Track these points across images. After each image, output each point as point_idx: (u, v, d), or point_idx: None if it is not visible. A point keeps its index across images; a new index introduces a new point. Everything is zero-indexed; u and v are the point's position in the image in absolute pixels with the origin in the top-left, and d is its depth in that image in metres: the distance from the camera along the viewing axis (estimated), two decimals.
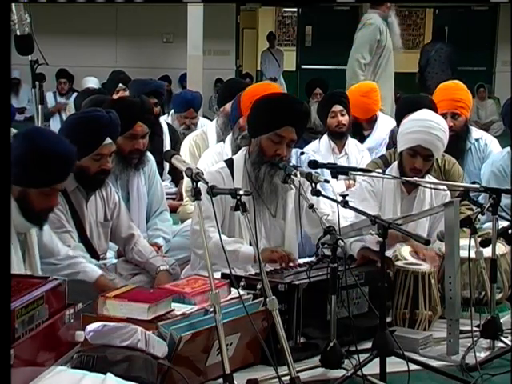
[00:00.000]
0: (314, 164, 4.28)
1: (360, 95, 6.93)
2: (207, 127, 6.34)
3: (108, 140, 4.18)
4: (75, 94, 13.95)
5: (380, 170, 4.66)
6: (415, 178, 4.50)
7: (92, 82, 10.87)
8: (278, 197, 4.33)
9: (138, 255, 4.37)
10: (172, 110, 7.94)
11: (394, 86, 8.85)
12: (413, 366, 3.56)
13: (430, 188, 4.60)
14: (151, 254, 4.38)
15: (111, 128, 4.22)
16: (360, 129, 7.10)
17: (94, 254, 4.29)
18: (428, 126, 4.50)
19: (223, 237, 3.87)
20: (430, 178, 4.65)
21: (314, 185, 3.86)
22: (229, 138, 5.43)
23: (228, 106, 6.11)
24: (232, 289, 3.69)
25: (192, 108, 7.49)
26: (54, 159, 3.48)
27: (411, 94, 7.96)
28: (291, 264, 4.10)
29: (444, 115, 5.47)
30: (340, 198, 3.85)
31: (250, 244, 4.24)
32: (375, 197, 4.63)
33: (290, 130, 4.22)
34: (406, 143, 4.56)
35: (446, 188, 4.61)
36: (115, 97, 7.50)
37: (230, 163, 4.40)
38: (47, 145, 3.50)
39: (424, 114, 4.63)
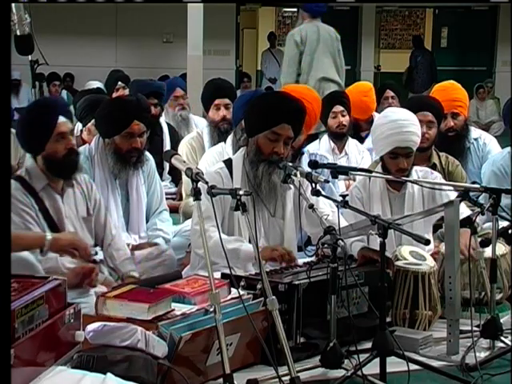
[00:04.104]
0: (314, 164, 4.29)
1: (363, 95, 7.00)
2: (203, 128, 6.32)
3: (62, 118, 4.17)
4: (64, 92, 14.02)
5: (380, 170, 4.66)
6: (414, 179, 4.52)
7: (95, 86, 10.85)
8: (277, 195, 4.33)
9: (110, 259, 4.36)
10: (166, 105, 7.84)
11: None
12: (413, 366, 3.55)
13: (430, 188, 4.59)
14: (121, 258, 4.37)
15: (61, 108, 4.23)
16: (358, 130, 7.11)
17: None
18: (399, 125, 4.48)
19: (224, 236, 3.89)
20: (416, 170, 4.66)
21: (313, 185, 3.86)
22: (230, 138, 5.43)
23: (211, 114, 6.10)
24: (232, 289, 3.69)
25: (178, 88, 7.51)
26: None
27: (418, 94, 7.99)
28: (292, 263, 4.10)
29: (444, 116, 5.51)
30: (340, 198, 3.86)
31: (250, 242, 4.25)
32: (362, 204, 4.62)
33: (286, 128, 4.23)
34: (383, 148, 4.55)
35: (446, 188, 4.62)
36: (115, 95, 7.51)
37: (228, 163, 4.41)
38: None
39: (390, 115, 4.58)
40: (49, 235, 3.89)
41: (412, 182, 4.52)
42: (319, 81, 8.12)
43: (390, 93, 7.80)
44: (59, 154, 4.13)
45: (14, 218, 3.97)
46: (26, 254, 3.85)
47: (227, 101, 6.06)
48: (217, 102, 6.08)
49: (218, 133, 5.98)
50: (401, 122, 4.49)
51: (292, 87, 5.67)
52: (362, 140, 6.99)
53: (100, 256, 4.47)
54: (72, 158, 4.19)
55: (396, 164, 4.51)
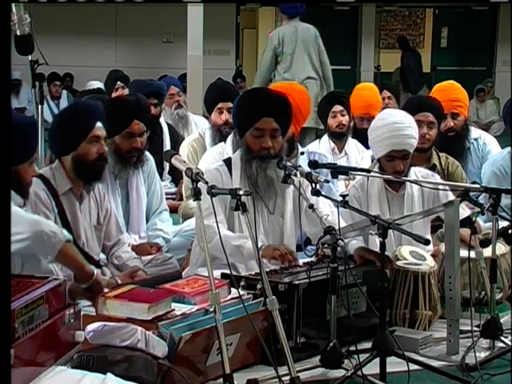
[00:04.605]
0: (314, 164, 4.29)
1: (377, 93, 7.12)
2: (205, 130, 6.31)
3: (99, 124, 4.21)
4: (64, 92, 14.03)
5: (377, 170, 4.66)
6: (414, 179, 4.53)
7: (95, 86, 10.85)
8: (276, 191, 4.33)
9: (117, 259, 4.40)
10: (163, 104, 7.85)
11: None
12: (413, 366, 3.55)
13: (430, 188, 4.59)
14: (128, 258, 4.39)
15: (99, 114, 4.26)
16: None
17: (89, 259, 4.23)
18: (395, 129, 4.47)
19: (228, 232, 3.89)
20: (415, 172, 4.66)
21: (314, 185, 3.86)
22: (230, 138, 5.43)
23: (213, 117, 6.09)
24: (232, 289, 3.69)
25: (172, 86, 7.52)
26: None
27: (418, 95, 8.06)
28: (292, 263, 4.10)
29: (444, 116, 5.50)
30: (340, 198, 3.86)
31: None
32: (359, 204, 4.62)
33: (268, 121, 4.25)
34: (380, 151, 4.56)
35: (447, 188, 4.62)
36: (114, 95, 7.52)
37: (228, 162, 4.43)
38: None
39: (386, 118, 4.58)
40: (95, 274, 3.80)
41: (411, 181, 4.53)
42: (301, 80, 8.23)
43: (386, 93, 7.84)
44: (90, 156, 4.16)
45: None
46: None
47: (230, 104, 5.96)
48: (220, 105, 6.06)
49: (220, 136, 5.97)
50: (397, 126, 4.48)
51: (273, 85, 5.72)
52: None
53: (103, 259, 4.48)
54: (101, 164, 4.23)
55: (392, 166, 4.52)
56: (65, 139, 4.19)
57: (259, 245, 4.16)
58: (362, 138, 6.51)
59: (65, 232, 3.56)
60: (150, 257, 4.67)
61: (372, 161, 5.75)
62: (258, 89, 4.84)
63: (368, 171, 4.44)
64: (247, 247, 4.12)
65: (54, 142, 4.35)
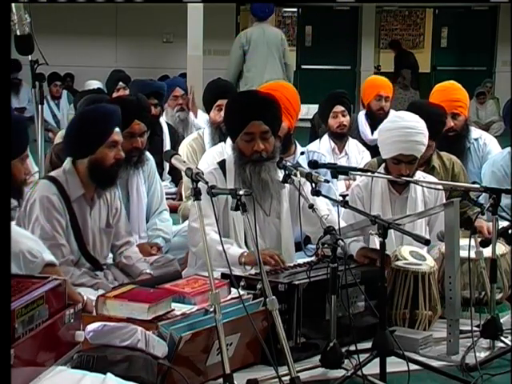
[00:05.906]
0: (314, 164, 4.29)
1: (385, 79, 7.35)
2: (204, 129, 6.31)
3: (117, 129, 4.19)
4: (64, 92, 14.03)
5: (382, 170, 4.65)
6: (415, 179, 4.53)
7: (95, 86, 10.84)
8: (271, 193, 4.31)
9: (126, 259, 4.36)
10: (165, 104, 7.84)
11: None
12: (413, 366, 3.56)
13: (429, 188, 4.59)
14: (137, 259, 4.38)
15: (118, 118, 4.24)
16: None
17: (95, 263, 4.25)
18: (406, 134, 4.46)
19: (215, 236, 3.86)
20: (419, 177, 4.64)
21: (313, 185, 3.86)
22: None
23: (212, 114, 6.09)
24: (232, 289, 3.69)
25: (177, 87, 7.54)
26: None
27: (420, 99, 8.10)
28: (279, 266, 4.07)
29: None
30: (340, 198, 3.86)
31: (246, 243, 4.25)
32: (362, 203, 4.62)
33: (256, 124, 4.24)
34: (387, 152, 4.54)
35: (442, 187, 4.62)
36: (115, 95, 7.51)
37: (222, 164, 4.42)
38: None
39: (398, 121, 4.55)
40: (84, 301, 3.69)
41: (412, 181, 4.52)
42: (266, 80, 8.35)
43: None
44: (108, 161, 4.12)
45: (45, 223, 3.98)
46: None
47: None
48: (219, 102, 6.06)
49: (220, 134, 5.97)
50: (408, 131, 4.46)
51: (261, 87, 5.78)
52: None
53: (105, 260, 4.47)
54: (116, 170, 4.20)
55: (398, 169, 4.51)
56: (83, 143, 4.13)
57: (244, 251, 4.17)
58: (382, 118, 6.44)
59: (46, 255, 3.51)
60: (151, 259, 4.65)
61: None
62: (243, 93, 4.84)
63: (367, 171, 4.43)
64: (230, 253, 4.08)
65: (71, 145, 4.27)
